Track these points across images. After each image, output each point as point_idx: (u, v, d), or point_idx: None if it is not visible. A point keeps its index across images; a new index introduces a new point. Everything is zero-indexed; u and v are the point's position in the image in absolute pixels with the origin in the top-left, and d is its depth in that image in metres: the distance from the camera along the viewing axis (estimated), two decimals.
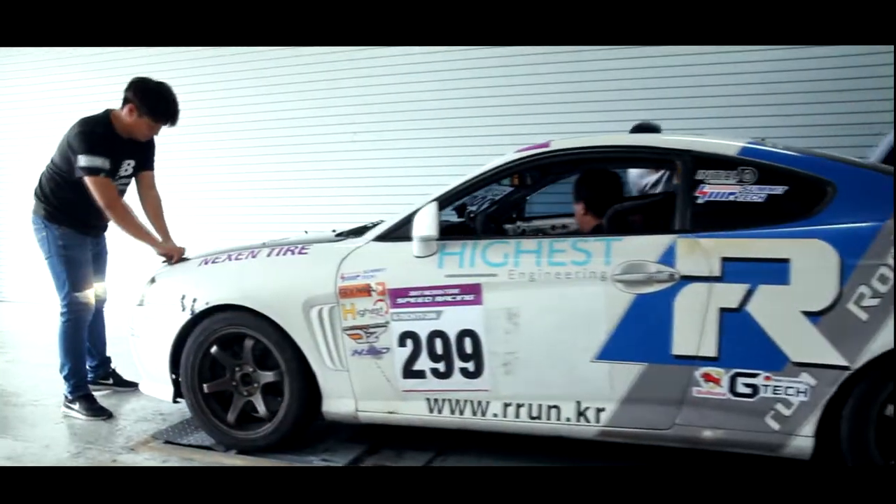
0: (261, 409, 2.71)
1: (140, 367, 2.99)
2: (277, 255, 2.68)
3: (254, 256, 2.73)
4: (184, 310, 2.73)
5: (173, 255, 3.05)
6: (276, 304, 2.59)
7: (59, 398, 3.28)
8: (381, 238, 2.56)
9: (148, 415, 3.19)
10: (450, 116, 4.76)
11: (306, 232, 3.49)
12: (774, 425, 2.14)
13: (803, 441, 2.12)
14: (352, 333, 2.51)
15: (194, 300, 2.72)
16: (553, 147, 2.49)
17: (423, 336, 2.42)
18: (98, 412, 3.15)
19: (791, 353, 2.08)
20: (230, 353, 2.74)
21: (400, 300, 2.44)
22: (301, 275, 2.60)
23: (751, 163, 2.23)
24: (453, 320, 2.38)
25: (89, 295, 3.20)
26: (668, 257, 2.19)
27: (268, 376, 2.68)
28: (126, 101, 3.08)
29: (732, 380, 2.15)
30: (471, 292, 2.36)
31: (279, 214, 5.29)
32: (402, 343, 2.46)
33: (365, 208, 4.96)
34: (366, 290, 2.47)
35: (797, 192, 2.19)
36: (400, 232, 2.52)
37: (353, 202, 5.05)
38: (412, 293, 2.42)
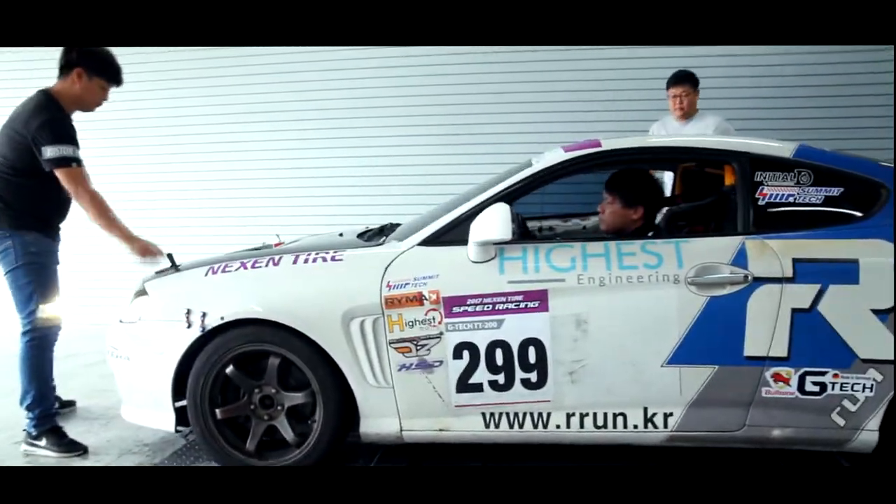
0: (288, 434, 2.43)
1: (128, 393, 2.60)
2: (306, 262, 2.42)
3: (276, 264, 2.44)
4: (190, 326, 2.40)
5: (153, 255, 2.70)
6: (309, 318, 2.32)
7: (11, 432, 2.79)
8: (429, 242, 2.36)
9: (129, 446, 2.79)
10: (396, 115, 4.66)
11: (278, 236, 3.22)
12: (840, 421, 2.19)
13: (868, 435, 2.19)
14: (399, 347, 2.31)
15: (204, 315, 2.39)
16: (606, 147, 2.41)
17: (482, 347, 2.27)
18: (70, 447, 2.70)
19: (859, 351, 2.14)
20: (245, 374, 2.44)
21: (456, 309, 2.26)
22: (338, 284, 2.35)
23: (806, 164, 2.27)
24: (516, 329, 2.25)
25: (57, 308, 2.74)
26: (740, 259, 2.18)
27: (296, 397, 2.41)
28: (69, 66, 2.71)
29: (801, 378, 2.18)
30: (536, 299, 2.23)
31: (195, 217, 5.09)
32: (457, 355, 2.28)
33: (294, 210, 4.88)
34: (417, 299, 2.27)
35: (852, 193, 2.26)
36: (450, 235, 2.35)
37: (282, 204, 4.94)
38: (470, 301, 2.26)
